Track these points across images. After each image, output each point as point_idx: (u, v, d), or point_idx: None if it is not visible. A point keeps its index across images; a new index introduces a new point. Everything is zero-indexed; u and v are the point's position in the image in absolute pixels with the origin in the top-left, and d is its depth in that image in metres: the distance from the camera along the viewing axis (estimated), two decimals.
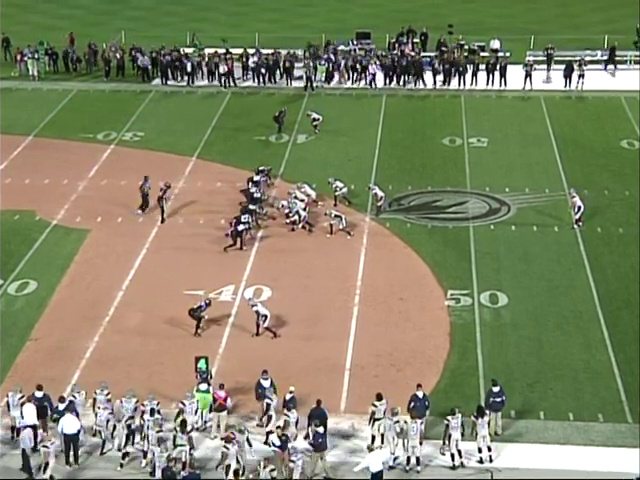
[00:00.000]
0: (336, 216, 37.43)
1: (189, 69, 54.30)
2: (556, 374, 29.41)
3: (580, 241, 37.08)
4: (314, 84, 53.59)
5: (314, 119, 47.48)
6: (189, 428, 25.83)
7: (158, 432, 25.46)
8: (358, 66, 54.28)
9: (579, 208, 37.78)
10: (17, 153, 45.45)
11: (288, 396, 26.73)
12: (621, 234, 37.59)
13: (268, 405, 26.62)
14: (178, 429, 25.50)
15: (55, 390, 27.10)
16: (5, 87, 54.31)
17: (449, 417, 25.73)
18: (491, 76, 53.53)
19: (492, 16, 66.84)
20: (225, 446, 24.78)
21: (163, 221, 38.51)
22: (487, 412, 26.15)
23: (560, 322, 32.08)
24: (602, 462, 25.80)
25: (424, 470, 25.64)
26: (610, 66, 56.00)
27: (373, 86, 53.85)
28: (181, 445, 25.24)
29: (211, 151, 45.70)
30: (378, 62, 54.27)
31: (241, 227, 36.36)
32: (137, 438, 26.06)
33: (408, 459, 25.80)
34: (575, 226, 37.79)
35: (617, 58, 56.21)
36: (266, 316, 31.15)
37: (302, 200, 38.44)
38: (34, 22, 66.38)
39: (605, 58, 56.38)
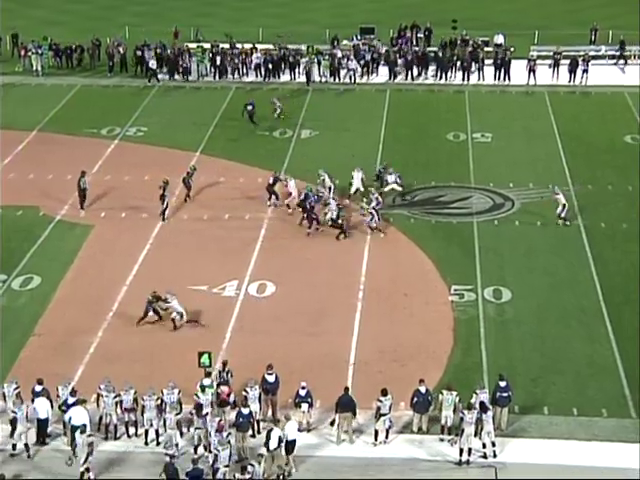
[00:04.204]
0: (370, 213, 37.01)
1: (193, 66, 54.46)
2: (560, 369, 29.45)
3: (584, 236, 37.07)
4: (312, 79, 53.60)
5: (278, 107, 47.81)
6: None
7: (177, 415, 26.05)
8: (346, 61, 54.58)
9: (564, 206, 37.75)
10: (21, 148, 45.49)
11: (302, 392, 26.80)
12: (625, 229, 37.56)
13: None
14: (194, 412, 25.98)
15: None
16: (9, 82, 54.40)
17: (465, 411, 25.80)
18: (497, 71, 53.53)
19: (496, 11, 66.66)
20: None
21: (164, 219, 38.29)
22: (490, 407, 26.16)
23: (563, 317, 32.10)
24: (606, 457, 25.81)
25: (428, 464, 25.71)
26: (620, 61, 55.96)
27: (352, 81, 53.82)
28: (198, 428, 25.79)
29: (215, 146, 45.70)
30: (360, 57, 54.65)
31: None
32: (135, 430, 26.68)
33: (442, 429, 26.40)
34: (559, 222, 37.68)
35: (611, 53, 56.38)
36: (182, 314, 30.94)
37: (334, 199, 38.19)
38: (37, 17, 66.37)
39: (610, 53, 56.40)
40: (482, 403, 26.13)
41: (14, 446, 26.05)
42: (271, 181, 39.60)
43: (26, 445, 25.99)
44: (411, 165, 43.51)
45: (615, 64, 55.80)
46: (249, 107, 47.85)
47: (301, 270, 35.09)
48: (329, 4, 70.24)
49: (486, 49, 55.89)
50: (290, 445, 25.41)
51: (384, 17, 63.74)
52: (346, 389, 26.80)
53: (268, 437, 25.27)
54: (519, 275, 34.58)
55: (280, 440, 25.23)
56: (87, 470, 24.92)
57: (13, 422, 25.99)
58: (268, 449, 25.24)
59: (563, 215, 37.85)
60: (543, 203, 39.53)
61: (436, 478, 25.26)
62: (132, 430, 26.76)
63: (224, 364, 28.03)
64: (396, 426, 26.89)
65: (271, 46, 55.96)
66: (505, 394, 26.77)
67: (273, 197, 39.37)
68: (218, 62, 54.70)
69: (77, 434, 25.21)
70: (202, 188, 40.95)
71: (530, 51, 55.49)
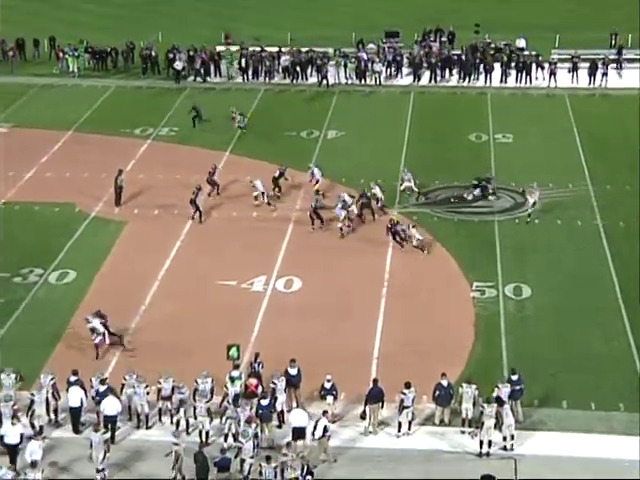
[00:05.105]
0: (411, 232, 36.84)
1: (224, 68, 55.70)
2: (578, 364, 29.94)
3: (602, 235, 37.56)
4: (337, 81, 54.52)
5: (236, 116, 48.14)
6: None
7: (207, 402, 26.70)
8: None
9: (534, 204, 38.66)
10: (57, 147, 46.30)
11: (327, 384, 27.43)
12: None
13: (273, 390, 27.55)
14: (230, 401, 26.77)
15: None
16: (46, 83, 55.26)
17: (484, 404, 26.29)
18: (519, 74, 54.14)
19: (518, 15, 66.41)
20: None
21: (201, 221, 39.01)
22: (507, 401, 26.69)
23: (582, 314, 32.63)
24: (623, 450, 26.30)
25: (449, 455, 26.36)
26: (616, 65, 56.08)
27: (377, 82, 54.63)
28: (231, 417, 26.43)
29: (243, 146, 46.32)
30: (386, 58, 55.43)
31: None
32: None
33: (463, 421, 27.00)
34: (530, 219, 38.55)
35: (631, 57, 56.45)
36: (103, 334, 30.79)
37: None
38: (69, 20, 66.98)
39: (629, 57, 56.45)
40: (498, 397, 26.68)
41: (41, 428, 26.78)
42: (277, 174, 40.75)
43: (41, 427, 26.83)
44: (434, 164, 44.07)
45: (615, 68, 55.46)
46: (198, 109, 48.58)
47: (327, 266, 35.72)
48: (353, 8, 70.01)
49: (509, 51, 56.34)
50: (295, 431, 26.21)
51: (408, 21, 63.70)
52: (375, 381, 27.35)
53: (315, 426, 25.98)
54: (539, 272, 35.09)
55: (325, 429, 25.88)
56: (102, 470, 25.14)
57: (30, 404, 26.93)
58: (314, 438, 26.04)
59: (529, 211, 38.66)
60: (563, 202, 40.15)
61: (457, 469, 25.85)
62: (164, 419, 27.55)
63: (256, 355, 28.69)
64: (418, 418, 27.46)
65: (295, 48, 56.67)
66: (517, 387, 27.24)
67: (276, 189, 40.65)
68: (244, 64, 55.41)
69: (92, 433, 25.75)
70: (231, 187, 41.70)
71: (551, 54, 55.93)
